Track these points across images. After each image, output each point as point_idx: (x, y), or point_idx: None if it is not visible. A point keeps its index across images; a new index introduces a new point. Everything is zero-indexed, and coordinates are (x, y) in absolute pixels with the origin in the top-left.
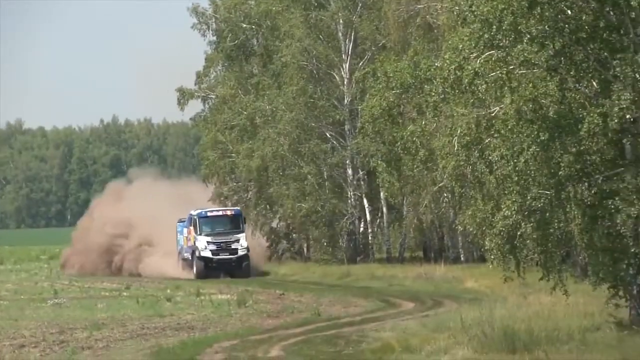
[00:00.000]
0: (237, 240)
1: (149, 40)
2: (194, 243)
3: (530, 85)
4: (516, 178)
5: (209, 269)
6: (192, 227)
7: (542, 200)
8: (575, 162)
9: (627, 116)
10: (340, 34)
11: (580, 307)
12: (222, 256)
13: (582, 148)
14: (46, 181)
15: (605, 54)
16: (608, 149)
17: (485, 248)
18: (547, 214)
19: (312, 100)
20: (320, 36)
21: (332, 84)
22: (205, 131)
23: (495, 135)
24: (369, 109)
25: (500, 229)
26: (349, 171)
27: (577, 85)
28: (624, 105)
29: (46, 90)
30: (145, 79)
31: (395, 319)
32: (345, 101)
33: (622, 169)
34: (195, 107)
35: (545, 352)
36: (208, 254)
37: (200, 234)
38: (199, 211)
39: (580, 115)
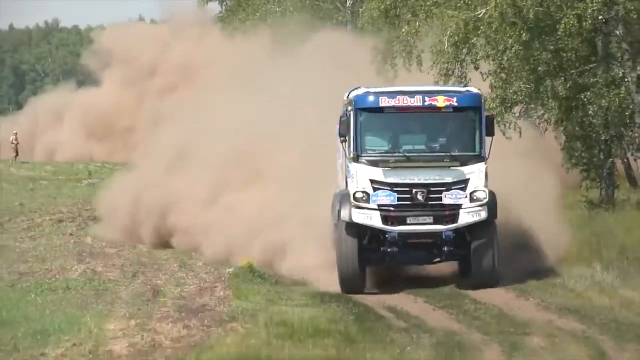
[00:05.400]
0: (461, 184)
1: None
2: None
3: None
4: (502, 74)
5: (378, 262)
6: (341, 140)
7: (522, 94)
8: (553, 59)
9: (600, 17)
10: None
11: None
12: (415, 226)
13: (559, 46)
14: (80, 74)
15: None
16: (582, 47)
17: None
18: (527, 106)
19: (317, 2)
20: None
21: None
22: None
23: (482, 35)
24: (369, 11)
25: None
26: None
27: None
28: (597, 7)
29: None
30: None
31: None
32: (348, 4)
33: (595, 64)
34: (215, 8)
35: None
36: (375, 220)
37: (357, 160)
38: (361, 92)
39: (558, 17)
